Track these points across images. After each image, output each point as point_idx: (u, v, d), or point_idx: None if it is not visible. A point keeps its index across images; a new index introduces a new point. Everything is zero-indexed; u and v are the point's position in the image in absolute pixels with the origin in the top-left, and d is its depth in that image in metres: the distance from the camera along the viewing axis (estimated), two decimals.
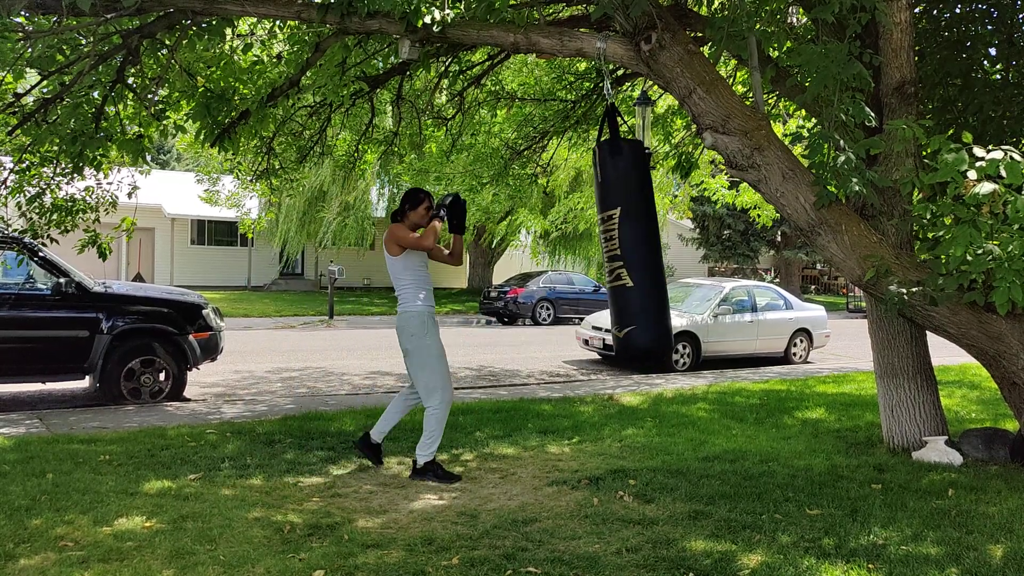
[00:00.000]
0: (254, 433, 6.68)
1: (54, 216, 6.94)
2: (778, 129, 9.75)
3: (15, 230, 7.24)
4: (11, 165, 6.65)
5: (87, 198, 7.20)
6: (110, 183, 7.23)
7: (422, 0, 4.99)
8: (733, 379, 11.11)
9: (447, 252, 5.79)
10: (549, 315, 21.19)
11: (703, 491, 5.17)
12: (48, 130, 6.00)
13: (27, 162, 6.60)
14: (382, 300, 26.22)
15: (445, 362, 5.45)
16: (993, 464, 5.96)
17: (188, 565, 3.77)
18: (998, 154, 4.27)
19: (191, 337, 8.57)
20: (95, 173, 6.81)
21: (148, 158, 7.48)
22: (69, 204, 7.04)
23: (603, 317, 12.24)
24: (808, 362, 13.80)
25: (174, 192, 28.34)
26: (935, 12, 6.79)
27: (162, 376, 8.50)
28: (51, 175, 6.76)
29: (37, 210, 6.87)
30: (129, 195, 7.52)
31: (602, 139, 5.29)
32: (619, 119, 5.34)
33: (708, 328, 12.82)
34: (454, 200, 5.54)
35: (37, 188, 6.82)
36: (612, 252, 5.04)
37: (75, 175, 6.57)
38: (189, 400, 8.68)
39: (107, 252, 7.18)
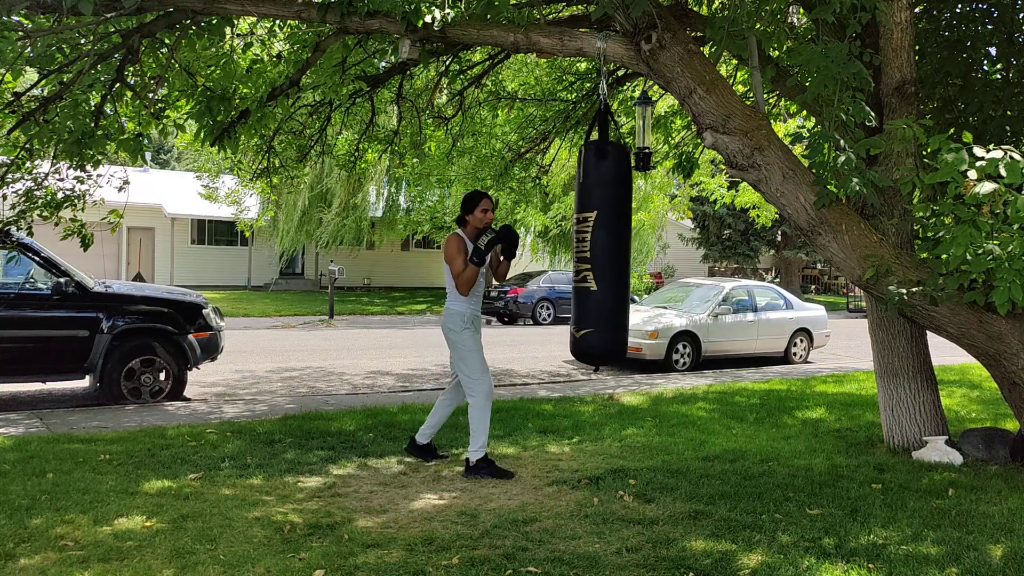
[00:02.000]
0: (254, 433, 6.68)
1: (44, 209, 6.91)
2: (779, 129, 9.75)
3: (2, 221, 7.20)
4: (7, 162, 6.63)
5: (76, 189, 7.17)
6: (100, 175, 7.20)
7: (422, 0, 4.99)
8: (733, 379, 11.11)
9: (470, 272, 5.61)
10: (549, 315, 21.19)
11: (703, 491, 5.17)
12: (47, 129, 5.99)
13: (23, 158, 6.58)
14: (382, 300, 26.23)
15: (482, 357, 5.59)
16: (993, 464, 5.96)
17: (188, 565, 3.77)
18: (998, 153, 4.27)
19: (191, 337, 8.57)
20: (94, 169, 6.79)
21: (148, 157, 7.45)
22: (63, 199, 7.02)
23: None
24: (808, 362, 13.80)
25: (174, 192, 28.35)
26: (935, 12, 6.79)
27: (162, 376, 8.50)
28: (43, 172, 6.74)
29: (26, 203, 6.86)
30: (119, 189, 7.48)
31: (589, 140, 5.31)
32: (611, 121, 5.35)
33: (708, 328, 12.82)
34: (505, 234, 5.55)
35: (29, 182, 6.80)
36: (582, 254, 5.12)
37: (77, 169, 6.55)
38: (189, 400, 8.68)
39: (89, 242, 7.15)
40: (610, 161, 5.16)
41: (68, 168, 6.55)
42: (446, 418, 6.03)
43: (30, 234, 7.26)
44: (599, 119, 5.34)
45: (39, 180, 6.79)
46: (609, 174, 5.15)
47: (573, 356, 5.42)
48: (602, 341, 5.20)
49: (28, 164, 6.64)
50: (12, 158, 6.52)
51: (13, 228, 7.02)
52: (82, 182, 7.13)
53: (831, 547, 4.16)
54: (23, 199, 6.78)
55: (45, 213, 6.92)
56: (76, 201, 7.13)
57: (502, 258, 5.76)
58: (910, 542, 4.26)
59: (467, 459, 5.60)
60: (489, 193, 5.79)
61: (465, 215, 5.65)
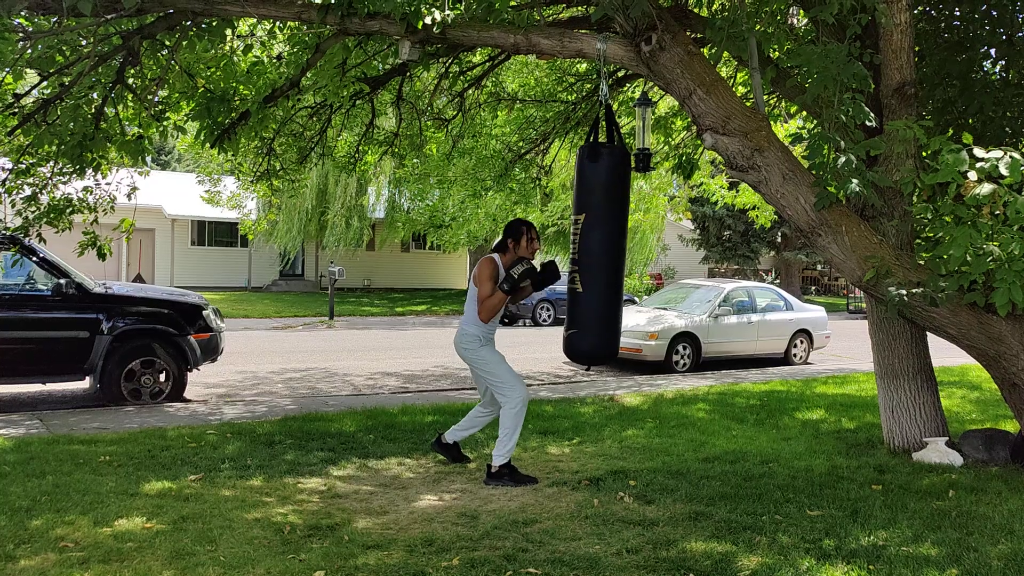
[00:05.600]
0: (254, 434, 6.68)
1: (51, 215, 6.92)
2: (780, 130, 9.76)
3: (8, 228, 7.23)
4: (9, 166, 6.64)
5: (86, 199, 7.18)
6: (108, 183, 7.22)
7: (422, 1, 4.99)
8: (733, 380, 11.11)
9: (496, 299, 5.45)
10: (549, 316, 21.19)
11: (703, 492, 5.17)
12: (48, 131, 6.00)
13: (25, 163, 6.60)
14: (382, 301, 26.23)
15: (505, 365, 5.49)
16: (993, 465, 5.95)
17: (188, 566, 3.77)
18: (998, 153, 4.27)
19: (191, 338, 8.57)
20: (94, 174, 6.80)
21: (148, 159, 7.46)
22: (65, 204, 7.03)
23: None
24: (808, 363, 13.79)
25: (174, 193, 28.34)
26: (935, 13, 6.79)
27: (162, 377, 8.50)
28: (48, 175, 6.75)
29: (32, 209, 6.87)
30: (128, 196, 7.51)
31: (587, 142, 5.32)
32: (610, 123, 5.34)
33: (708, 329, 12.81)
34: (522, 274, 5.36)
35: (34, 188, 6.81)
36: (574, 256, 5.18)
37: (75, 176, 6.56)
38: (189, 401, 8.68)
39: (107, 253, 7.17)
40: (605, 163, 5.16)
41: (72, 173, 6.55)
42: (477, 429, 5.94)
43: (42, 241, 7.27)
44: (598, 121, 5.34)
45: (42, 185, 6.80)
46: (603, 176, 5.16)
47: (565, 355, 5.44)
48: (589, 342, 5.21)
49: (32, 169, 6.65)
50: (15, 162, 6.53)
51: (21, 235, 7.03)
52: (91, 192, 7.14)
53: (831, 548, 4.16)
54: (28, 205, 6.79)
55: (54, 221, 6.92)
56: (85, 210, 7.14)
57: (531, 287, 5.59)
58: (910, 543, 4.26)
59: (488, 465, 5.48)
60: (534, 228, 5.65)
61: (512, 243, 5.50)
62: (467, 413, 5.98)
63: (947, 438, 6.15)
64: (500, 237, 5.64)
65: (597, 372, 12.06)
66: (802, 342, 13.95)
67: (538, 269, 5.45)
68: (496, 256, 5.52)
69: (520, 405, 5.39)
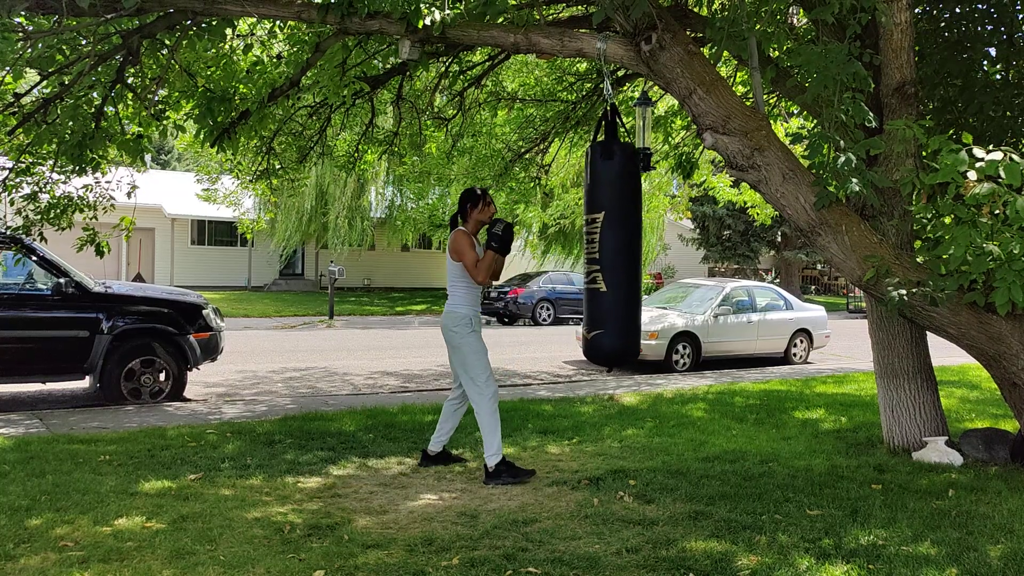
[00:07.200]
0: (254, 433, 6.68)
1: (50, 214, 6.93)
2: (779, 129, 9.76)
3: (9, 228, 7.24)
4: (9, 164, 6.65)
5: (85, 196, 7.19)
6: (108, 182, 7.23)
7: (422, 0, 4.99)
8: (733, 379, 11.11)
9: (489, 257, 5.49)
10: (549, 315, 21.20)
11: (703, 491, 5.17)
12: (48, 130, 6.00)
13: (25, 162, 6.60)
14: (382, 300, 26.24)
15: (485, 359, 5.48)
16: (993, 465, 5.96)
17: (188, 565, 3.77)
18: (998, 155, 4.27)
19: (191, 337, 8.58)
20: (93, 173, 6.81)
21: (148, 158, 7.47)
22: (65, 202, 7.03)
23: None
24: (808, 362, 13.80)
25: (174, 192, 28.35)
26: (935, 12, 6.79)
27: (162, 376, 8.50)
28: (48, 174, 6.76)
29: (33, 208, 6.87)
30: (128, 194, 7.52)
31: (596, 140, 5.30)
32: (617, 121, 5.34)
33: (708, 328, 12.82)
34: (506, 228, 5.44)
35: (33, 187, 6.82)
36: (592, 255, 5.13)
37: (75, 174, 6.56)
38: (189, 400, 8.68)
39: (105, 250, 7.17)
40: (620, 160, 5.15)
41: (72, 172, 6.56)
42: (456, 424, 5.89)
43: (43, 241, 7.27)
44: (604, 119, 5.33)
45: (42, 185, 6.81)
46: (614, 174, 5.14)
47: (586, 357, 5.38)
48: (613, 342, 5.17)
49: (32, 167, 6.66)
50: (15, 161, 6.54)
51: (22, 234, 7.04)
52: (90, 190, 7.15)
53: (831, 548, 4.16)
54: (28, 204, 6.79)
55: (55, 221, 6.92)
56: (85, 208, 7.15)
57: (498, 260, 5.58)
58: (910, 543, 4.26)
59: (485, 465, 5.46)
60: (488, 192, 5.72)
61: (471, 207, 5.52)
62: (444, 418, 5.86)
63: (947, 437, 6.15)
64: (457, 209, 5.65)
65: (596, 371, 12.07)
66: (802, 341, 13.96)
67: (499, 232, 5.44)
68: (462, 228, 5.54)
69: (491, 403, 5.40)
